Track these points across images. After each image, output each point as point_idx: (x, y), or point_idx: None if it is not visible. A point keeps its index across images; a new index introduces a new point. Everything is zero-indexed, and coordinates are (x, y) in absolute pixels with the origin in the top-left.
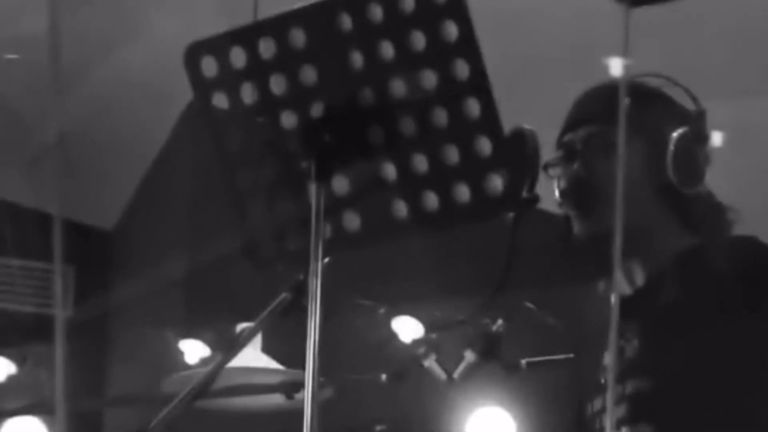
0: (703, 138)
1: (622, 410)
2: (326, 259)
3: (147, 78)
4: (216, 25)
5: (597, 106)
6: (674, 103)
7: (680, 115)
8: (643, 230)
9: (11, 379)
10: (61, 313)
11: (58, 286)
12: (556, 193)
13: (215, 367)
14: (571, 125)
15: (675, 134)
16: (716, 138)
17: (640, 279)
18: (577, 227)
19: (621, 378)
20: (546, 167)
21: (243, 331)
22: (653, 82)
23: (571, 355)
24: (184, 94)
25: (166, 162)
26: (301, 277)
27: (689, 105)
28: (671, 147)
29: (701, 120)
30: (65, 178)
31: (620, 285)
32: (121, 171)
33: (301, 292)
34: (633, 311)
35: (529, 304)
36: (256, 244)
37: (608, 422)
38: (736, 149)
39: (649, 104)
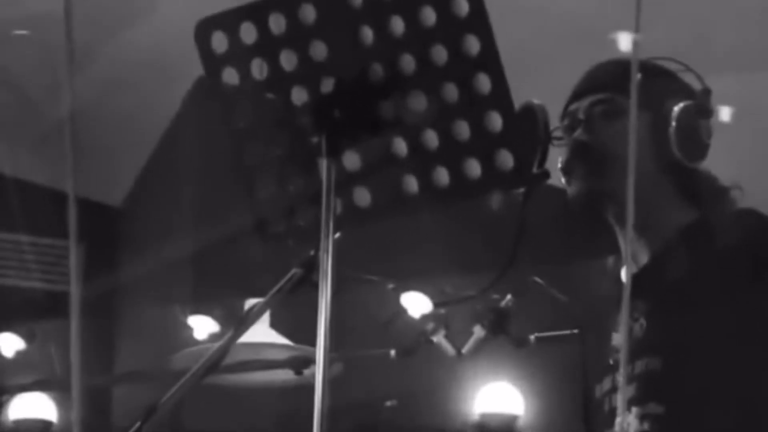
0: (707, 113)
1: (631, 390)
2: (337, 235)
3: (155, 56)
4: (222, 4)
5: (601, 77)
6: (678, 79)
7: (684, 91)
8: (645, 204)
9: (20, 355)
10: (76, 290)
11: (73, 263)
12: (559, 164)
13: (225, 342)
14: (575, 95)
15: (677, 108)
16: (724, 113)
17: (643, 255)
18: (573, 191)
19: (630, 358)
20: (551, 137)
21: (253, 306)
22: (659, 61)
23: (577, 331)
24: (191, 72)
25: (174, 138)
26: (312, 252)
27: (696, 85)
28: (674, 120)
29: (706, 97)
30: (75, 156)
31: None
32: (129, 148)
33: (311, 267)
34: (640, 289)
35: (538, 279)
36: (267, 220)
37: (620, 401)
38: (743, 124)
39: (653, 78)
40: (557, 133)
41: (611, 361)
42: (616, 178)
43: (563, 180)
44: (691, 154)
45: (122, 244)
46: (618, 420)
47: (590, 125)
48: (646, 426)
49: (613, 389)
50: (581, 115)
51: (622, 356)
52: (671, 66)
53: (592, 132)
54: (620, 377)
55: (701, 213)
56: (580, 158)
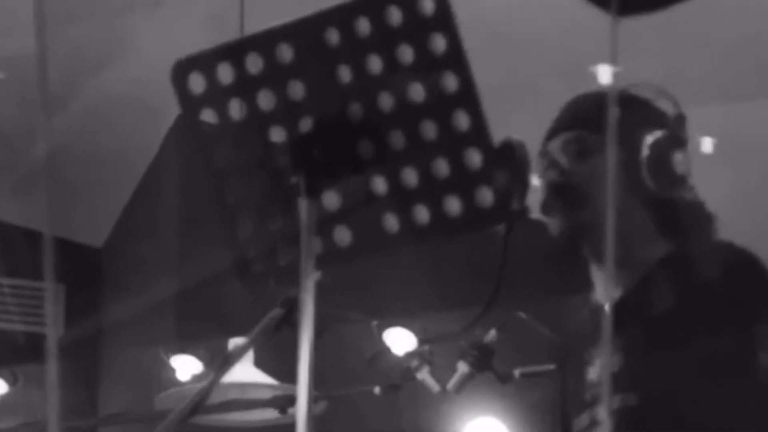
0: (680, 142)
1: (608, 425)
2: (318, 274)
3: (134, 95)
4: (202, 41)
5: (573, 114)
6: (652, 107)
7: (658, 120)
8: (619, 237)
9: (3, 398)
10: (52, 331)
11: (50, 305)
12: (539, 202)
13: (209, 383)
14: (549, 135)
15: (649, 138)
16: (705, 144)
17: (617, 289)
18: (553, 228)
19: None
20: (530, 173)
21: (236, 346)
22: (635, 89)
23: (557, 366)
24: (171, 110)
25: (155, 178)
26: (293, 292)
27: (673, 112)
28: (645, 151)
29: (680, 124)
30: (54, 196)
31: (603, 296)
32: (110, 188)
33: (293, 307)
34: (615, 324)
35: (521, 314)
36: (247, 260)
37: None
38: (720, 155)
39: (625, 110)
40: (536, 172)
41: (588, 397)
42: (591, 215)
43: (544, 220)
44: (664, 185)
45: (104, 284)
46: None
47: (562, 166)
48: None
49: (591, 425)
50: (555, 155)
51: (604, 390)
52: (645, 92)
53: (566, 173)
54: (598, 413)
55: (677, 245)
56: (556, 198)
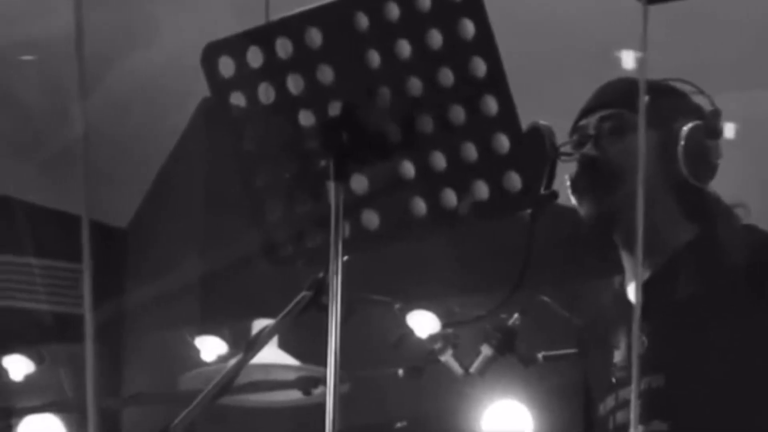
0: (716, 133)
1: (635, 408)
2: (345, 258)
3: (161, 77)
4: (228, 26)
5: (611, 94)
6: (688, 98)
7: (694, 111)
8: (650, 222)
9: (29, 377)
10: (90, 313)
11: (87, 287)
12: (567, 181)
13: (237, 364)
14: (585, 111)
15: (686, 128)
16: (727, 129)
17: (644, 272)
18: (583, 209)
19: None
20: (557, 150)
21: (264, 329)
22: (673, 82)
23: (580, 350)
24: (197, 93)
25: (180, 159)
26: (321, 275)
27: (706, 106)
28: (682, 139)
29: (715, 117)
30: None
31: (631, 279)
32: (135, 169)
33: (320, 290)
34: (642, 306)
35: (545, 298)
36: (275, 242)
37: (633, 416)
38: (745, 141)
39: (663, 98)
40: (566, 149)
41: (614, 379)
42: (623, 195)
43: (572, 198)
44: (698, 174)
45: (129, 265)
46: None
47: (599, 141)
48: None
49: (617, 407)
50: (590, 131)
51: (634, 372)
52: (683, 87)
53: (601, 147)
54: (624, 394)
55: (703, 229)
56: (589, 174)
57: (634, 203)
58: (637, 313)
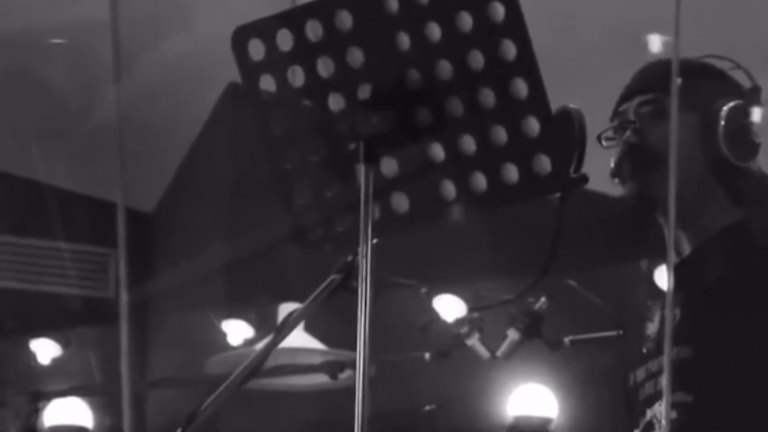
0: (756, 112)
1: (662, 379)
2: (375, 241)
3: (186, 63)
4: (257, 10)
5: (650, 78)
6: (727, 77)
7: (733, 90)
8: (693, 202)
9: (56, 361)
10: (125, 296)
11: (122, 271)
12: (611, 164)
13: (265, 348)
14: (625, 96)
15: (726, 107)
16: (755, 114)
17: (686, 249)
18: (626, 190)
19: (661, 347)
20: (600, 137)
21: (292, 312)
22: (710, 60)
23: (616, 333)
24: (224, 77)
25: (205, 144)
26: (349, 258)
27: (746, 84)
28: (722, 119)
29: (755, 94)
30: (107, 162)
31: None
32: (160, 154)
33: (349, 273)
34: (677, 281)
35: (572, 282)
36: (304, 226)
37: (666, 383)
38: None
39: (701, 78)
40: (608, 134)
41: (645, 350)
42: (666, 178)
43: (615, 181)
44: (740, 154)
45: (155, 250)
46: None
47: (639, 126)
48: (674, 414)
49: (647, 378)
50: (630, 116)
51: (666, 345)
52: (720, 64)
53: (642, 133)
54: (652, 366)
55: (745, 213)
56: (630, 159)
57: (678, 187)
58: (669, 294)
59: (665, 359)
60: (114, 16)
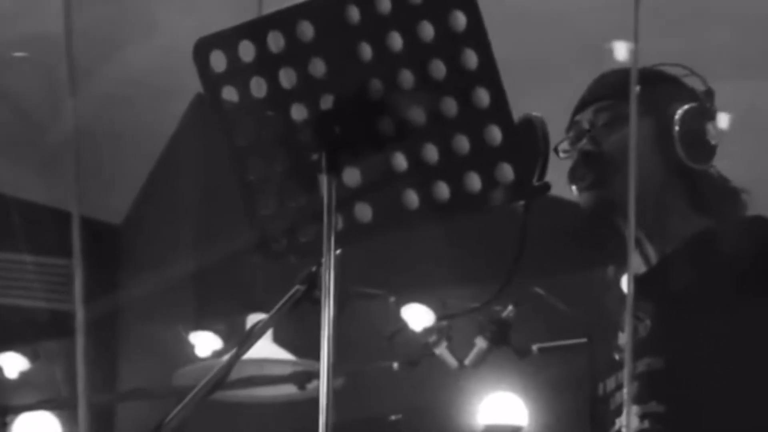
0: (710, 114)
1: (633, 389)
2: (338, 251)
3: (154, 73)
4: (221, 20)
5: (604, 86)
6: (681, 83)
7: (688, 94)
8: (655, 209)
9: (24, 375)
10: (81, 309)
11: (78, 283)
12: (567, 175)
13: (230, 359)
14: (580, 106)
15: (680, 110)
16: (725, 120)
17: (653, 257)
18: (584, 200)
19: (634, 357)
20: (556, 149)
21: (257, 323)
22: (663, 67)
23: (584, 340)
24: (191, 88)
25: (174, 155)
26: (314, 269)
27: (699, 87)
28: (677, 123)
29: (709, 98)
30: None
31: (634, 263)
32: (128, 165)
33: (313, 284)
34: (646, 291)
35: (539, 290)
36: (268, 237)
37: (626, 396)
38: (746, 131)
39: (655, 84)
40: (564, 146)
41: (617, 357)
42: (623, 185)
43: (573, 189)
44: (697, 156)
45: (123, 261)
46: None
47: (595, 134)
48: (646, 424)
49: (618, 388)
50: (585, 125)
51: (627, 355)
52: (674, 71)
53: (597, 140)
54: (623, 376)
55: (711, 220)
56: (586, 167)
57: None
58: (629, 301)
59: (626, 369)
60: (67, 28)
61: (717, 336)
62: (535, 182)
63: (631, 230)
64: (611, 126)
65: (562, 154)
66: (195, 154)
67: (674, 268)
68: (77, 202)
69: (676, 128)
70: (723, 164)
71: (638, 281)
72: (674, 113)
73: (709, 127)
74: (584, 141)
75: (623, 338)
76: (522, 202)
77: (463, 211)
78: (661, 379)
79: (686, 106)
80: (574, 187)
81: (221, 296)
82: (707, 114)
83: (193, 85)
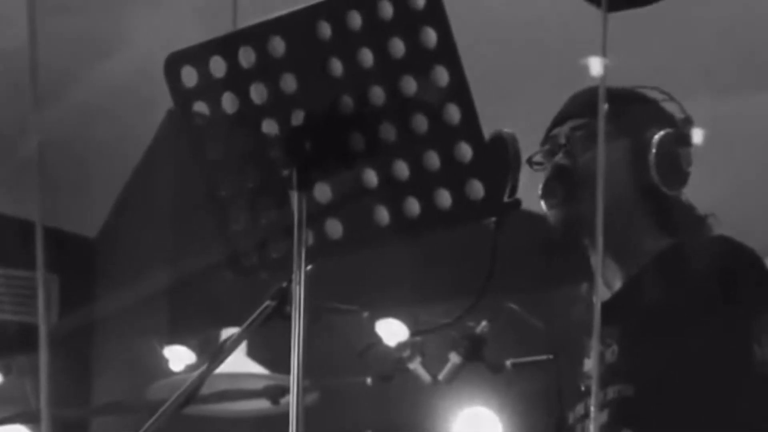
0: (687, 141)
1: (604, 416)
2: (309, 267)
3: (128, 87)
4: (195, 34)
5: (583, 103)
6: (659, 106)
7: (665, 119)
8: (621, 229)
9: None
10: (44, 322)
11: (42, 295)
12: (539, 188)
13: (202, 373)
14: (557, 121)
15: (658, 135)
16: (696, 135)
17: (617, 280)
18: (553, 216)
19: (602, 384)
20: (530, 162)
21: (229, 338)
22: (643, 90)
23: (548, 357)
24: (165, 102)
25: (148, 168)
26: (284, 284)
27: (677, 113)
28: (654, 147)
29: (686, 125)
30: (46, 187)
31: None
32: (103, 179)
33: (284, 299)
34: (612, 315)
35: (512, 305)
36: (239, 252)
37: (593, 428)
38: (714, 148)
39: (633, 105)
40: (538, 158)
41: (583, 387)
42: (593, 203)
43: (543, 205)
44: (670, 182)
45: (97, 275)
46: None
47: (570, 149)
48: None
49: (586, 415)
50: (562, 140)
51: (594, 383)
52: (653, 94)
53: (572, 156)
54: (592, 403)
55: (676, 240)
56: (559, 181)
57: (606, 214)
58: (596, 324)
59: (593, 394)
60: (32, 40)
61: (684, 357)
62: (506, 198)
63: (599, 248)
64: (588, 143)
65: (534, 167)
66: (168, 169)
67: (639, 289)
68: (40, 213)
69: (653, 152)
70: (693, 177)
71: (604, 306)
72: (652, 137)
73: (684, 154)
74: (560, 155)
75: (589, 364)
76: (493, 219)
77: (434, 228)
78: (632, 405)
79: (663, 132)
80: (543, 204)
81: (195, 310)
82: (683, 140)
83: (166, 98)
